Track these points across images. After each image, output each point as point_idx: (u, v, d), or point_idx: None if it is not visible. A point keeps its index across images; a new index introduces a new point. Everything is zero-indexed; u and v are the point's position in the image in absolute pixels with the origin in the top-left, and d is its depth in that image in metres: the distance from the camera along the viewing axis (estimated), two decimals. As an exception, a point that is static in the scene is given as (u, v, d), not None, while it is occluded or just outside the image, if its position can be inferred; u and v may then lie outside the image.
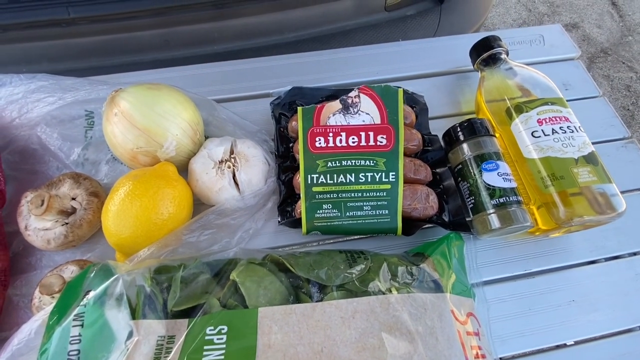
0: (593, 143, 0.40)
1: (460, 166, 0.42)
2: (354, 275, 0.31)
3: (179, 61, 0.58)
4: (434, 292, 0.31)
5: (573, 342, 0.39)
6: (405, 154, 0.42)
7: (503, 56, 0.48)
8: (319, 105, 0.42)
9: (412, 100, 0.48)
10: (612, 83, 1.66)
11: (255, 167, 0.41)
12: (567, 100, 0.43)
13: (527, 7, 1.89)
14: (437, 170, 0.44)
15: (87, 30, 0.71)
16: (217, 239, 0.39)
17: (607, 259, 0.43)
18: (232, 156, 0.40)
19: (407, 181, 0.41)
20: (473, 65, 0.51)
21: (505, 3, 1.90)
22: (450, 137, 0.44)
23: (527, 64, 0.47)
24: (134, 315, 0.29)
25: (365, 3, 0.80)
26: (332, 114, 0.42)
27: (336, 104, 0.42)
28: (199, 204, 0.42)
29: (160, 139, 0.38)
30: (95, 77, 0.49)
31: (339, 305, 0.28)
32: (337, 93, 0.50)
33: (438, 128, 0.47)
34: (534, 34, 0.58)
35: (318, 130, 0.41)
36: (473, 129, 0.42)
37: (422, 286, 0.31)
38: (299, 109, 0.42)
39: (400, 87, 0.43)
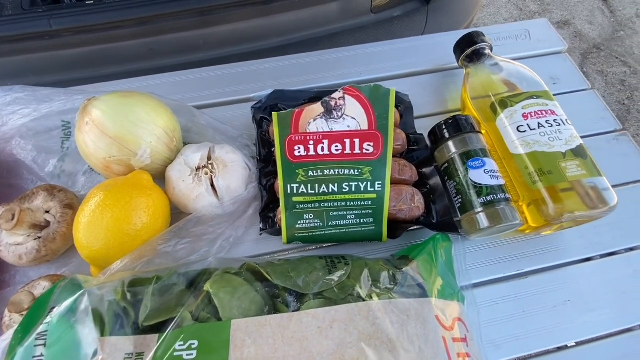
0: (584, 137, 0.39)
1: (446, 165, 0.41)
2: (333, 282, 0.29)
3: (165, 70, 0.57)
4: (417, 297, 0.29)
5: (574, 343, 0.37)
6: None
7: (487, 52, 0.47)
8: (297, 110, 0.38)
9: (396, 99, 0.47)
10: (606, 78, 1.65)
11: (234, 172, 0.40)
12: (556, 94, 0.42)
13: (517, 6, 1.89)
14: (424, 170, 0.43)
15: (71, 42, 0.70)
16: (195, 249, 0.37)
17: (602, 256, 0.41)
18: (209, 162, 0.39)
19: (392, 182, 0.39)
20: (457, 62, 0.50)
21: (496, 3, 1.90)
22: (436, 135, 0.43)
23: (514, 59, 0.46)
24: (103, 331, 0.28)
25: (351, 5, 0.80)
26: (312, 119, 0.38)
27: (318, 108, 0.38)
28: (178, 213, 0.40)
29: (133, 147, 0.37)
30: (73, 87, 0.48)
31: (317, 315, 0.27)
32: (320, 95, 0.49)
33: (424, 127, 0.46)
34: (519, 29, 0.57)
35: (297, 138, 0.37)
36: (458, 125, 0.41)
37: (405, 291, 0.29)
38: (274, 115, 0.37)
39: (393, 88, 0.38)
